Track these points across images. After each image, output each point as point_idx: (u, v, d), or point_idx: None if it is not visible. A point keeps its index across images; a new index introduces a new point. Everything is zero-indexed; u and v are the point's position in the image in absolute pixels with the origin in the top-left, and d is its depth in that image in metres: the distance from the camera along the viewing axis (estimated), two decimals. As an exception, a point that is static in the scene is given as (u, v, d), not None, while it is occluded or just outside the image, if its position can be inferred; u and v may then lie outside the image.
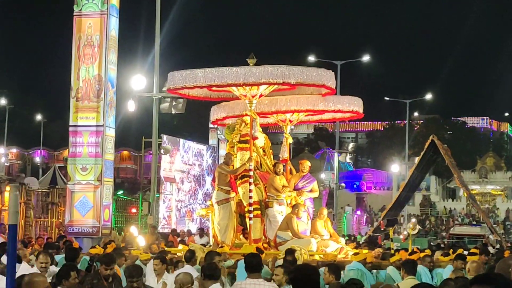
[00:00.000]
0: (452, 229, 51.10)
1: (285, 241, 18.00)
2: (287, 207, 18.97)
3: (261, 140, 19.62)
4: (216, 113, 21.02)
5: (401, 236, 36.21)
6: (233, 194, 18.69)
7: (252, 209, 18.31)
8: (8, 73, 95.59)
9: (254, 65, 18.35)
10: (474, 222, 59.21)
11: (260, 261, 10.04)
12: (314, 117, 21.89)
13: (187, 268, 13.34)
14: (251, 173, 18.40)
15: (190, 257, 13.70)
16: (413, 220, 45.76)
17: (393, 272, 15.64)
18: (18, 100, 79.21)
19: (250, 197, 18.31)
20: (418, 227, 31.61)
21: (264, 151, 19.95)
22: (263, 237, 18.71)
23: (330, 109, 19.57)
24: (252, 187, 18.37)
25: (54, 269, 12.70)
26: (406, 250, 18.61)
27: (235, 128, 19.69)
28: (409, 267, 11.92)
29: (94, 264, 14.77)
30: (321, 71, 17.97)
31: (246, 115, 19.24)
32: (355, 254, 16.44)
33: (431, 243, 36.67)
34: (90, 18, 23.87)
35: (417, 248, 19.89)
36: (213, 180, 19.77)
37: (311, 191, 19.81)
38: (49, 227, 31.35)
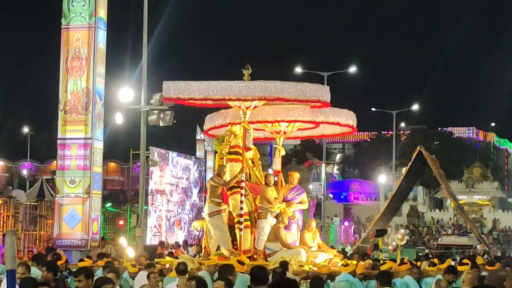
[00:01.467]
0: (439, 239, 51.20)
1: (274, 252, 18.03)
2: (279, 219, 18.98)
3: (250, 151, 19.65)
4: (212, 120, 20.96)
5: (389, 247, 36.23)
6: (224, 206, 18.72)
7: (242, 220, 18.34)
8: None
9: (249, 76, 18.52)
10: (462, 232, 59.32)
11: (267, 273, 10.06)
12: (304, 133, 22.05)
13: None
14: (242, 184, 18.43)
15: (183, 270, 13.69)
16: (402, 230, 45.83)
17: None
18: (4, 113, 78.99)
19: (241, 208, 18.34)
20: (406, 237, 31.63)
21: (253, 162, 19.97)
22: (253, 249, 18.73)
23: (329, 121, 19.61)
24: (243, 198, 18.40)
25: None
26: (395, 261, 18.66)
27: (224, 140, 19.71)
28: (383, 279, 11.92)
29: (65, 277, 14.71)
30: (315, 87, 18.08)
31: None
32: (346, 265, 16.43)
33: (419, 254, 36.68)
34: (78, 31, 23.89)
35: (407, 260, 19.92)
36: (205, 191, 19.82)
37: (300, 202, 19.82)
38: (37, 240, 31.24)
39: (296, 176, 20.14)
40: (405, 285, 15.55)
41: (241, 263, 16.50)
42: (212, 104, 19.33)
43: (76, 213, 23.11)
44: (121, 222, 36.79)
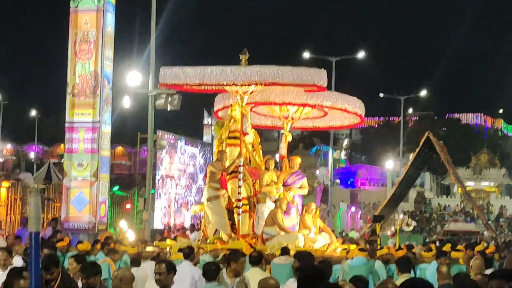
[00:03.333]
0: (447, 225, 51.20)
1: (271, 237, 18.05)
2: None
3: (250, 136, 19.65)
4: (222, 101, 20.94)
5: (388, 232, 36.29)
6: (223, 191, 18.75)
7: (240, 205, 18.39)
8: (2, 69, 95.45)
9: (246, 61, 18.56)
10: (469, 218, 59.31)
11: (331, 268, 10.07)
12: (311, 123, 22.09)
13: (186, 264, 13.36)
14: (240, 169, 18.46)
15: (188, 253, 13.68)
16: (402, 216, 45.81)
17: (379, 266, 15.60)
18: (12, 96, 78.94)
19: (239, 193, 18.38)
20: (413, 223, 31.62)
21: (253, 146, 19.99)
22: (252, 233, 18.78)
23: (338, 107, 19.51)
24: (241, 183, 18.42)
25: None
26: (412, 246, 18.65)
27: (224, 124, 19.70)
28: (403, 265, 11.88)
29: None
30: (311, 71, 17.97)
31: (253, 103, 19.39)
32: (361, 249, 16.36)
33: (427, 240, 36.70)
34: (86, 14, 23.85)
35: (405, 245, 19.95)
36: (205, 176, 19.86)
37: (300, 187, 19.80)
38: (45, 223, 31.30)
39: (297, 161, 20.10)
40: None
41: (252, 247, 16.58)
42: (209, 89, 19.32)
43: (84, 197, 23.14)
44: (128, 206, 36.90)
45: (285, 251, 15.16)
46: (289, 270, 12.39)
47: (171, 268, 9.29)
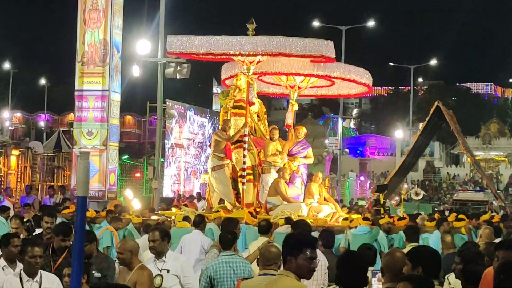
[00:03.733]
0: (455, 195, 51.12)
1: (275, 206, 18.08)
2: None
3: (256, 105, 19.65)
4: (229, 70, 20.96)
5: (393, 202, 36.29)
6: (227, 161, 18.78)
7: (245, 174, 18.44)
8: (12, 37, 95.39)
9: (253, 31, 18.56)
10: (478, 188, 59.24)
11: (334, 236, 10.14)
12: (319, 91, 22.09)
13: (196, 232, 13.45)
14: (245, 138, 18.50)
15: (199, 222, 13.74)
16: (406, 186, 45.70)
17: (381, 235, 15.65)
18: (22, 65, 79.07)
19: (244, 162, 18.43)
20: (422, 192, 31.55)
21: (258, 116, 19.99)
22: (256, 202, 18.84)
23: (345, 77, 19.51)
24: (246, 152, 18.46)
25: None
26: (415, 216, 18.65)
27: (229, 94, 19.71)
28: (410, 234, 11.93)
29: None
30: (318, 42, 17.97)
31: (259, 72, 19.39)
32: (364, 218, 16.41)
33: (435, 209, 36.71)
34: (95, -18, 23.76)
35: (408, 214, 19.97)
36: (210, 145, 19.93)
37: (305, 157, 19.81)
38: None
39: (302, 130, 20.08)
40: (402, 240, 15.50)
41: (253, 216, 16.67)
42: (216, 58, 19.31)
43: (93, 165, 23.18)
44: (137, 175, 37.05)
45: (289, 220, 15.24)
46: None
47: (165, 235, 9.38)
